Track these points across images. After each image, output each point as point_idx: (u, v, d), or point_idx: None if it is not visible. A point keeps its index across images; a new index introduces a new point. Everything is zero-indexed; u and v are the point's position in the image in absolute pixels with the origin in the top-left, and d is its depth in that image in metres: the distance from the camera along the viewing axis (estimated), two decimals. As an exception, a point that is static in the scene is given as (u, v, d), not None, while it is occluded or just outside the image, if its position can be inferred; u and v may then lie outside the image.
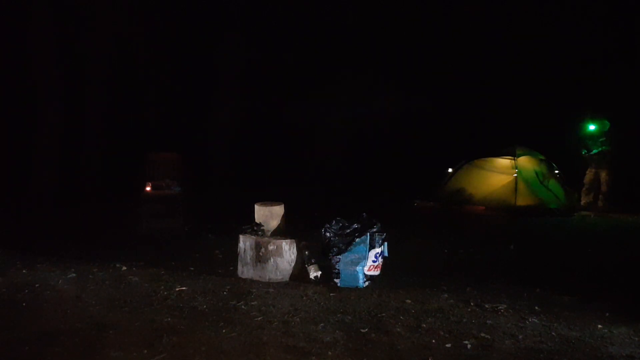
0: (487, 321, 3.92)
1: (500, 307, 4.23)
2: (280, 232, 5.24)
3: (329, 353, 3.30)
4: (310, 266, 4.99)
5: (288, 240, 5.02)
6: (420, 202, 10.82)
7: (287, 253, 4.98)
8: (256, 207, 5.31)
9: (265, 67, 14.76)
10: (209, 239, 6.99)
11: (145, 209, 9.85)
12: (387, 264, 5.10)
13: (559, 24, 14.26)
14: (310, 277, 4.95)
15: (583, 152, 10.52)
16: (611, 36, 13.68)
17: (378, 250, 4.90)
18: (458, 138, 13.48)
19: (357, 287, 4.74)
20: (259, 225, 5.21)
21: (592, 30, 13.68)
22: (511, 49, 14.32)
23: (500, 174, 10.34)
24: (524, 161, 10.38)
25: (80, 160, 12.54)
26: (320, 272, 4.96)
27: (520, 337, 3.63)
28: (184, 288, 4.59)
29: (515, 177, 10.07)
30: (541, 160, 10.64)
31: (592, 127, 10.39)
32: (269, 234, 5.21)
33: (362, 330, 3.69)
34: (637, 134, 11.33)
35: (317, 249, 5.03)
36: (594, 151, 10.32)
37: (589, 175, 10.55)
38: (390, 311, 4.09)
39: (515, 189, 9.97)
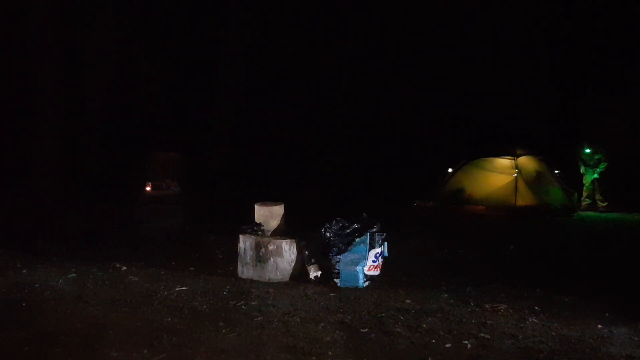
0: (487, 321, 3.92)
1: (500, 307, 4.23)
2: (280, 232, 5.24)
3: (329, 353, 3.30)
4: (310, 266, 4.99)
5: (288, 240, 5.02)
6: (420, 202, 10.80)
7: (287, 253, 4.98)
8: (256, 207, 5.31)
9: (265, 67, 14.76)
10: (209, 239, 6.98)
11: (145, 209, 9.85)
12: (387, 264, 5.09)
13: (558, 24, 14.26)
14: (310, 277, 4.95)
15: (581, 169, 10.67)
16: (610, 37, 13.68)
17: (378, 250, 4.89)
18: (458, 138, 13.47)
19: (357, 287, 4.74)
20: (259, 225, 5.21)
21: (591, 30, 13.70)
22: (512, 49, 14.31)
23: (500, 174, 10.33)
24: (524, 161, 10.38)
25: (81, 160, 12.55)
26: (320, 272, 4.96)
27: (520, 337, 3.63)
28: (184, 288, 4.58)
29: (515, 177, 10.06)
30: (541, 160, 10.64)
31: (587, 150, 10.63)
32: (269, 234, 5.21)
33: (362, 330, 3.69)
34: (636, 134, 11.37)
35: (317, 249, 5.03)
36: (598, 170, 10.51)
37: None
38: (390, 311, 4.09)
39: (515, 189, 9.97)
